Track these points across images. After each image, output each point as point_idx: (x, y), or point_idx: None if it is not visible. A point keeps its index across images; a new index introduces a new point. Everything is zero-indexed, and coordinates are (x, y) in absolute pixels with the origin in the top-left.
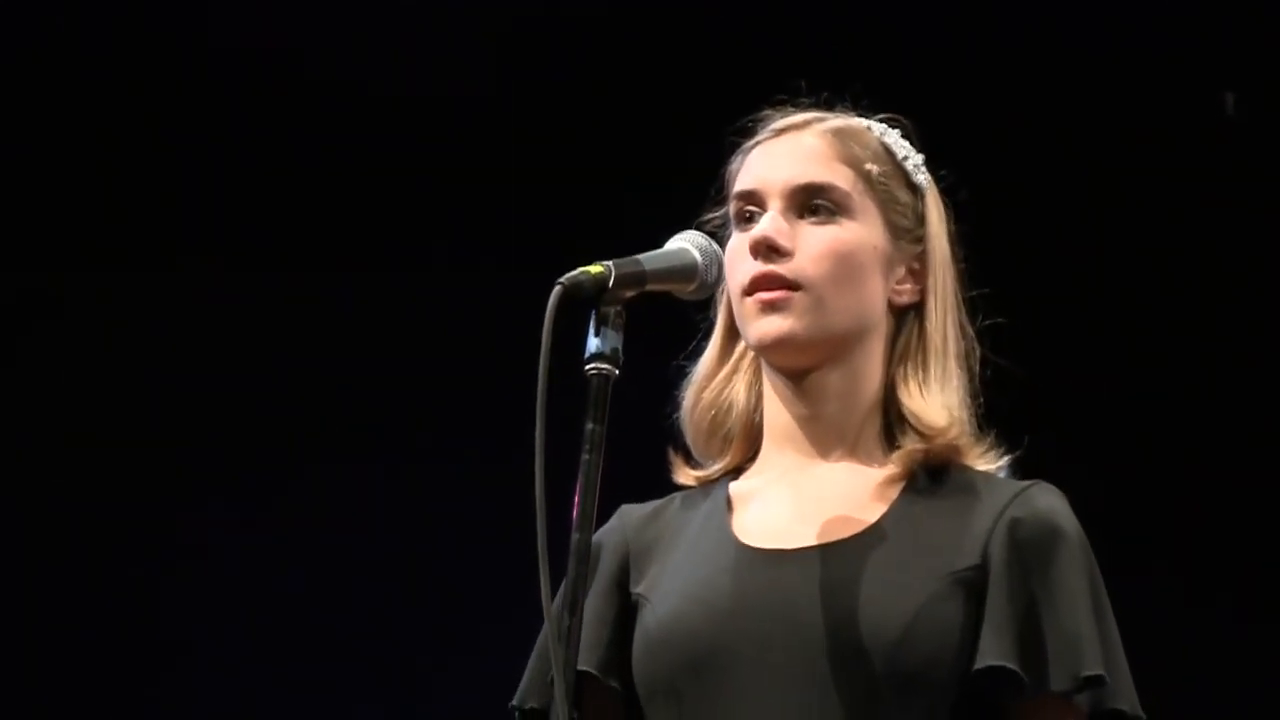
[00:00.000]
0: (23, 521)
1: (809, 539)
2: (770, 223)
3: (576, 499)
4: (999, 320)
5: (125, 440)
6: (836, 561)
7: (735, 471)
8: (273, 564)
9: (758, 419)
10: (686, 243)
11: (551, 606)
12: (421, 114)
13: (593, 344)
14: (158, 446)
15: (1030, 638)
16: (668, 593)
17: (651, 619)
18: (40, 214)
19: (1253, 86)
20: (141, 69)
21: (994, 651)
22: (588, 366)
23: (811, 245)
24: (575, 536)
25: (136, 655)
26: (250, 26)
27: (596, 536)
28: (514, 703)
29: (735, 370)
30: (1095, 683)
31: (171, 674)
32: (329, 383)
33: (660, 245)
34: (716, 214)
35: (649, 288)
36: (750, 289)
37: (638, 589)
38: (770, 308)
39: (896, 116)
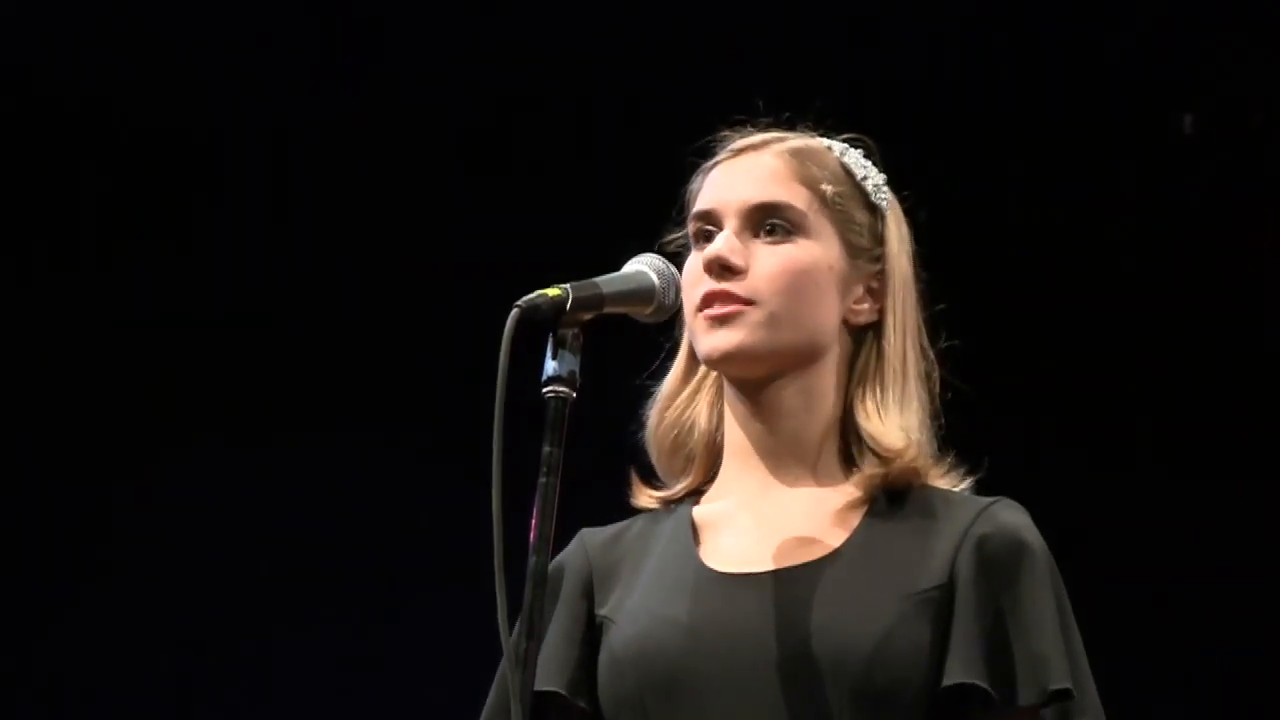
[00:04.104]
0: None
1: (774, 563)
2: (724, 242)
3: (534, 522)
4: (955, 342)
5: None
6: (802, 585)
7: (696, 493)
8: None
9: (719, 439)
10: (644, 265)
11: (507, 630)
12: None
13: (550, 366)
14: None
15: (998, 654)
16: (634, 613)
17: (618, 639)
18: None
19: (1209, 108)
20: None
21: (961, 668)
22: (545, 389)
23: (765, 264)
24: (533, 560)
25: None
26: None
27: (558, 559)
28: None
29: (698, 390)
30: (1062, 696)
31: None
32: (297, 393)
33: (618, 267)
34: (678, 234)
35: (606, 310)
36: (702, 306)
37: (602, 610)
38: (719, 322)
39: (860, 136)
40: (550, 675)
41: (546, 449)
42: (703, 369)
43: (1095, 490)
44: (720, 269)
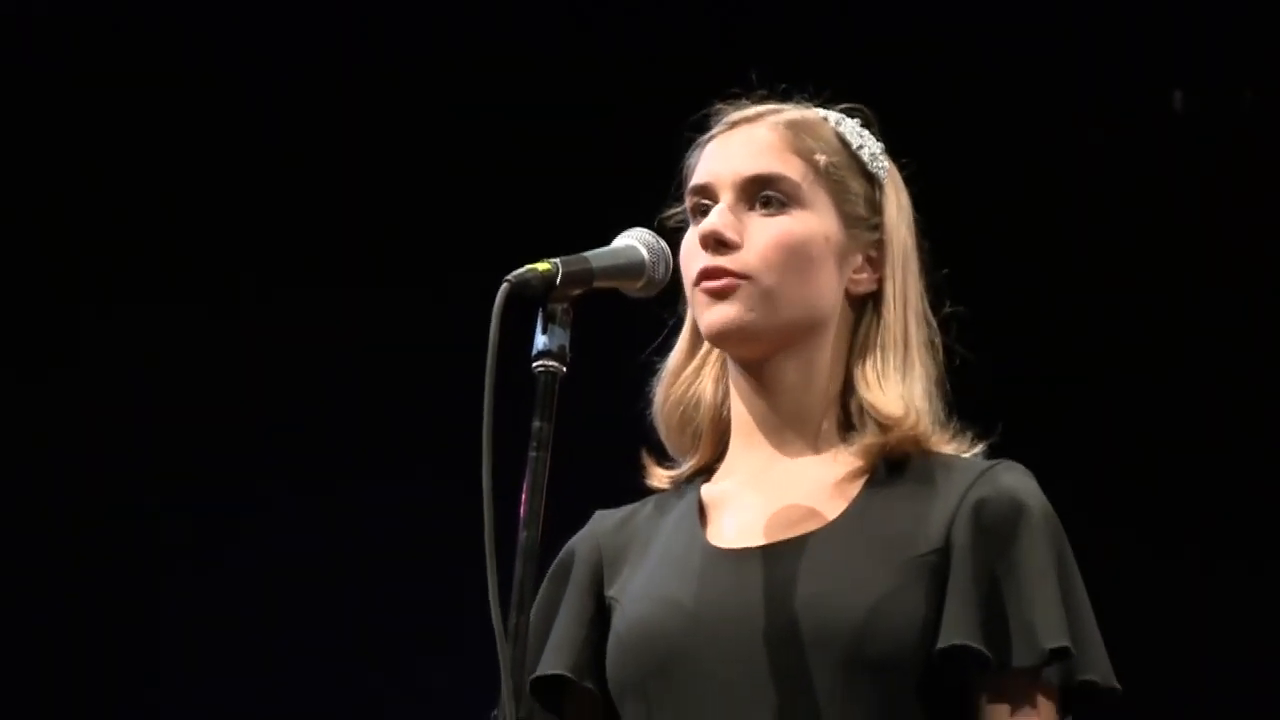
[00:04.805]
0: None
1: (773, 536)
2: (719, 216)
3: (524, 497)
4: (959, 308)
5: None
6: (798, 558)
7: (707, 471)
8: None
9: (725, 414)
10: (634, 240)
11: (497, 606)
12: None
13: (540, 341)
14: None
15: (993, 615)
16: (638, 595)
17: (622, 622)
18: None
19: (1200, 84)
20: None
21: (955, 631)
22: (535, 364)
23: (760, 237)
24: (523, 535)
25: (130, 659)
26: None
27: (571, 542)
28: (495, 713)
29: (703, 365)
30: (1061, 655)
31: (164, 679)
32: (286, 392)
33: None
34: (677, 210)
35: (596, 285)
36: (699, 281)
37: (610, 592)
38: (716, 296)
39: (858, 106)
40: (557, 660)
41: (536, 424)
42: (707, 344)
43: (1087, 465)
44: (715, 243)
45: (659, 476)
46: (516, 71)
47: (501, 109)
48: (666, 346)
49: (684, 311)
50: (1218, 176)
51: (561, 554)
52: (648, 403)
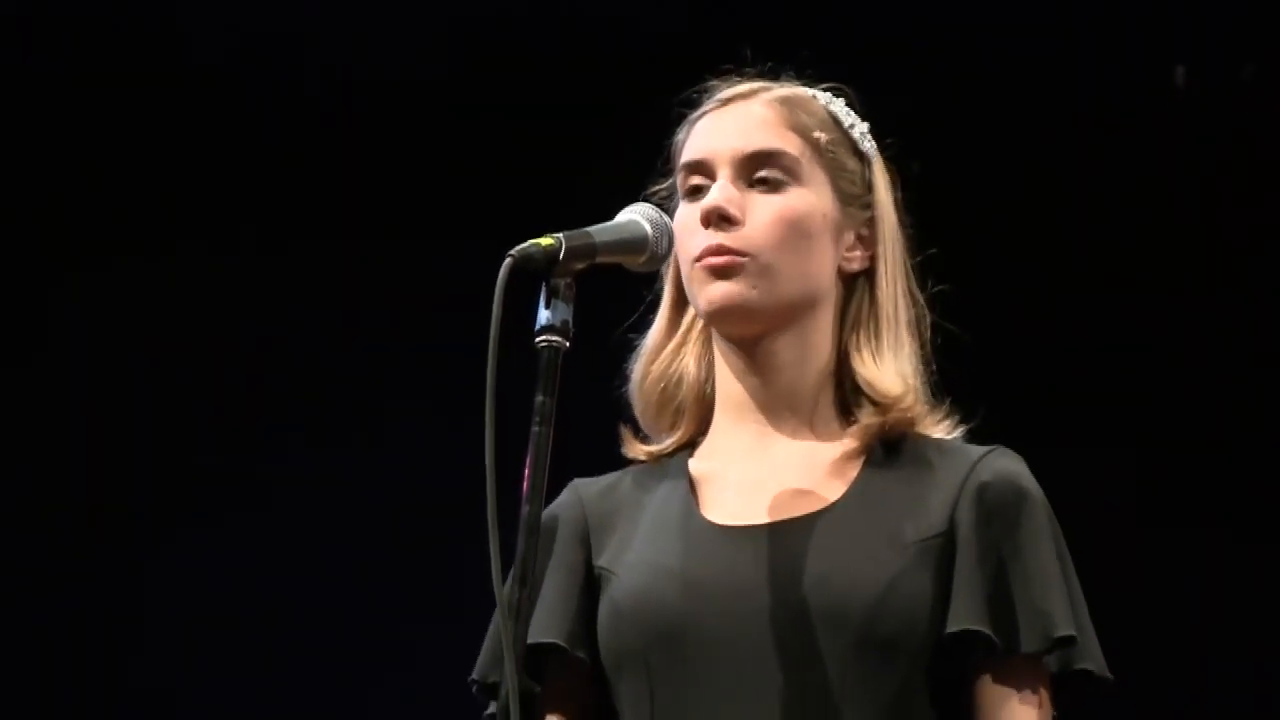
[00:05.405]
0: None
1: (774, 515)
2: (720, 192)
3: (526, 472)
4: (945, 287)
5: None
6: (803, 537)
7: (689, 446)
8: (251, 554)
9: (709, 391)
10: (637, 215)
11: (500, 580)
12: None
13: (543, 316)
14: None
15: (1001, 601)
16: (634, 566)
17: (619, 592)
18: None
19: (1202, 59)
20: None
21: (965, 615)
22: (538, 339)
23: (761, 214)
24: (525, 509)
25: (121, 652)
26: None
27: (550, 509)
28: (474, 676)
29: (684, 341)
30: (1065, 644)
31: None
32: (285, 389)
33: (611, 218)
34: (663, 185)
35: (599, 260)
36: (700, 258)
37: (600, 561)
38: (719, 273)
39: (841, 86)
40: (548, 628)
41: (539, 398)
42: (688, 320)
43: (1088, 464)
44: (718, 219)
45: (638, 450)
46: (516, 71)
47: (501, 109)
48: (644, 323)
49: (661, 288)
50: (1219, 158)
51: (544, 519)
52: (625, 379)
